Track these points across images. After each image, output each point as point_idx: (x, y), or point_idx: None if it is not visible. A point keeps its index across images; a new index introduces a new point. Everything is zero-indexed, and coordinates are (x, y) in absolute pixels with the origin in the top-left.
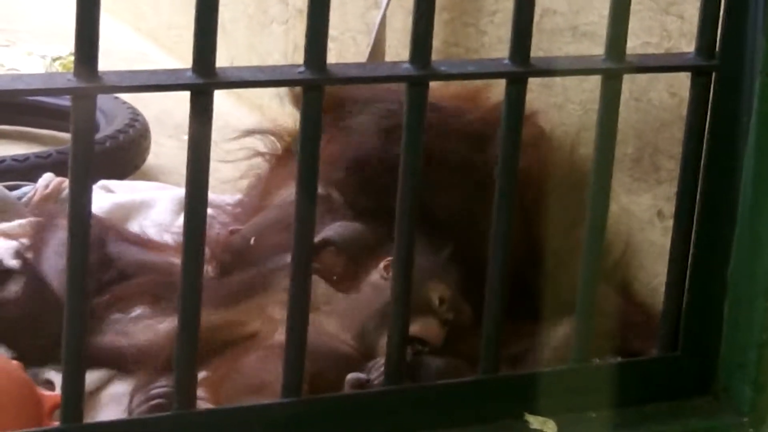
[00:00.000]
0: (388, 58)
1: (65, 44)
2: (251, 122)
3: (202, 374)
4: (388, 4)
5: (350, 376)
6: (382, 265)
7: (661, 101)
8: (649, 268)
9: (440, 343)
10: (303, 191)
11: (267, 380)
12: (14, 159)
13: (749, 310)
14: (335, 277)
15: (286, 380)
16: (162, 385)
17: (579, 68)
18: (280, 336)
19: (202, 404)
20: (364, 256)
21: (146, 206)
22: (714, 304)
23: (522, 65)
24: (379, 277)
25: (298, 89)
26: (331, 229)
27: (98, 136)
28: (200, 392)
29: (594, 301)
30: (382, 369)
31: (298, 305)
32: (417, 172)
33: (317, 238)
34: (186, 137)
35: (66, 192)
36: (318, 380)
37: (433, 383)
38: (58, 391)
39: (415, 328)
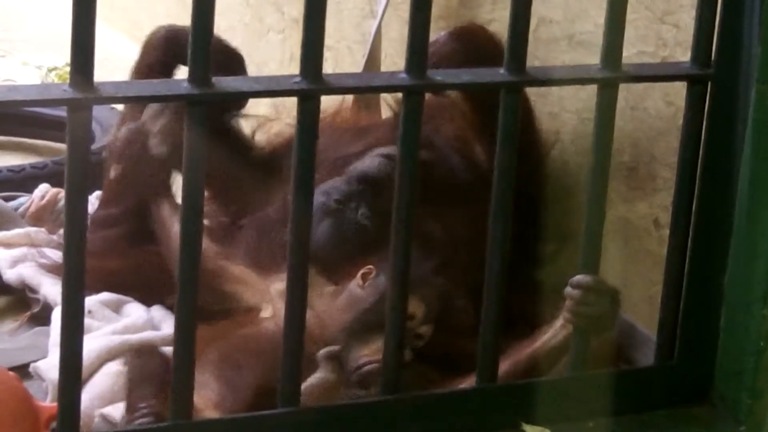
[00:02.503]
0: (383, 68)
1: (61, 54)
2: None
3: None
4: (383, 14)
5: (322, 351)
6: (360, 273)
7: (657, 110)
8: (646, 277)
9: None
10: (299, 201)
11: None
12: (10, 170)
13: (745, 318)
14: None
15: (284, 389)
16: (145, 408)
17: (575, 77)
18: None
19: None
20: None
21: None
22: (710, 312)
23: (518, 74)
24: (356, 285)
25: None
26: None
27: (94, 146)
28: None
29: None
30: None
31: (294, 314)
32: (414, 181)
33: None
34: None
35: (62, 203)
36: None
37: (431, 392)
38: (44, 382)
39: (371, 351)
